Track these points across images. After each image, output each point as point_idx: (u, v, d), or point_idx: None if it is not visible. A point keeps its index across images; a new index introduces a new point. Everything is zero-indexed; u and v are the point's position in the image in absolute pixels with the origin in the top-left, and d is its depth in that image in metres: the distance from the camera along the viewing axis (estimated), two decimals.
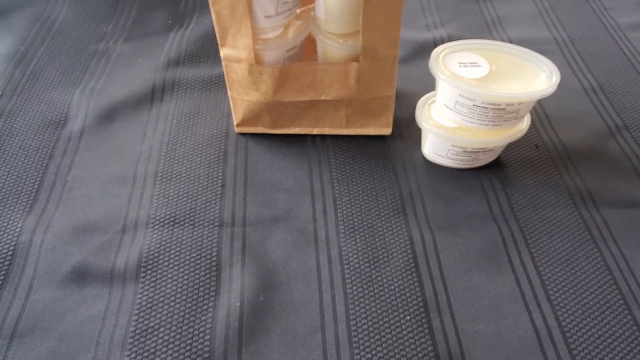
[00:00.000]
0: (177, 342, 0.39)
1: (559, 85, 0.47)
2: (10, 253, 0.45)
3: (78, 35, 0.70)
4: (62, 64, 0.65)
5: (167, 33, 0.70)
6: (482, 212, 0.49)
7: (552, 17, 0.74)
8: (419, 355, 0.39)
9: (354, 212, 0.48)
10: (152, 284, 0.43)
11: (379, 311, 0.41)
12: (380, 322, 0.41)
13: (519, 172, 0.52)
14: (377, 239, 0.46)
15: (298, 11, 0.52)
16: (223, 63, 0.50)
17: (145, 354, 0.39)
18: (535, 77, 0.47)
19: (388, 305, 0.42)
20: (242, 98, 0.53)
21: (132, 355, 0.39)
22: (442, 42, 0.68)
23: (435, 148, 0.52)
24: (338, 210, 0.49)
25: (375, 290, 0.43)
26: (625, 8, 0.76)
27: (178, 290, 0.43)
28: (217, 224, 0.47)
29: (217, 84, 0.62)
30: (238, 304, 0.42)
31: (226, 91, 0.58)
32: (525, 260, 0.45)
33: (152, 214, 0.48)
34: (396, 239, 0.46)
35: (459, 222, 0.48)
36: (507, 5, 0.76)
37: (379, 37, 0.47)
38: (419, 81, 0.62)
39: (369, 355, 0.39)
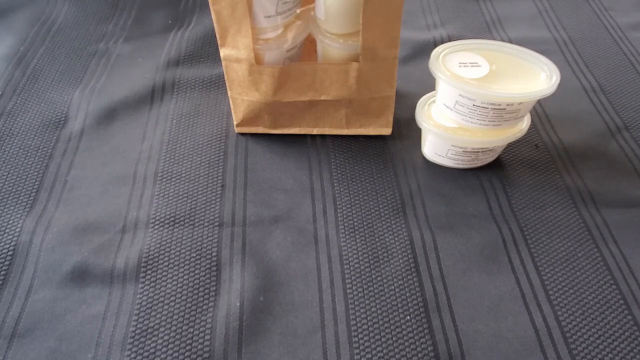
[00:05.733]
0: (177, 342, 0.39)
1: (559, 85, 0.47)
2: (10, 253, 0.45)
3: (78, 35, 0.70)
4: (62, 64, 0.65)
5: (167, 33, 0.70)
6: (482, 212, 0.49)
7: (552, 17, 0.74)
8: (419, 355, 0.39)
9: (354, 212, 0.48)
10: (152, 284, 0.43)
11: (379, 311, 0.41)
12: (380, 322, 0.41)
13: (519, 172, 0.52)
14: (377, 239, 0.46)
15: (298, 11, 0.52)
16: (223, 63, 0.50)
17: (145, 354, 0.39)
18: (535, 77, 0.47)
19: (388, 305, 0.42)
20: (242, 98, 0.53)
21: (132, 355, 0.39)
22: (442, 42, 0.68)
23: (435, 148, 0.52)
24: (338, 210, 0.48)
25: (375, 290, 0.43)
26: (625, 8, 0.76)
27: (178, 290, 0.43)
28: (217, 224, 0.47)
29: (217, 84, 0.62)
30: (238, 304, 0.42)
31: (226, 91, 0.58)
32: (525, 260, 0.45)
33: (152, 214, 0.48)
34: (396, 239, 0.46)
35: (459, 222, 0.48)
36: (507, 5, 0.76)
37: (379, 37, 0.47)
38: (419, 81, 0.62)
39: (369, 355, 0.39)
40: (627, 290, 0.43)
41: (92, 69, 0.64)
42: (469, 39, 0.67)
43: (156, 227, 0.47)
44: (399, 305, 0.42)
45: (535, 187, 0.51)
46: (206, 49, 0.67)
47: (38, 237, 0.46)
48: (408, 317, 0.41)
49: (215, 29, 0.48)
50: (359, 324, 0.41)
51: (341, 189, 0.50)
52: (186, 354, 0.39)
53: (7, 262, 0.44)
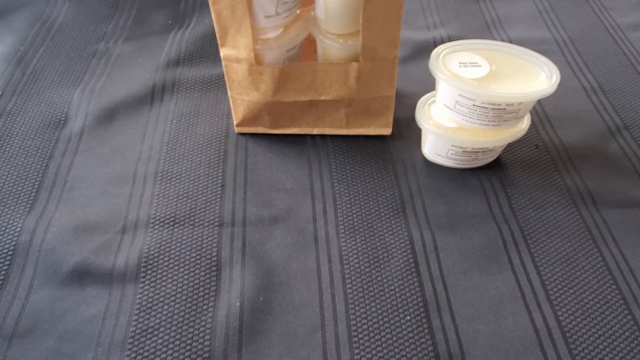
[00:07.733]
0: (177, 342, 0.39)
1: (559, 85, 0.47)
2: (10, 253, 0.45)
3: (78, 35, 0.70)
4: (62, 64, 0.65)
5: (167, 33, 0.70)
6: (482, 212, 0.49)
7: (552, 17, 0.74)
8: (419, 355, 0.39)
9: (354, 212, 0.48)
10: (152, 284, 0.43)
11: (379, 311, 0.41)
12: (380, 322, 0.41)
13: (519, 172, 0.52)
14: (377, 239, 0.46)
15: (298, 11, 0.52)
16: (223, 63, 0.50)
17: (145, 354, 0.39)
18: (535, 77, 0.47)
19: (388, 305, 0.42)
20: (242, 98, 0.53)
21: (132, 355, 0.39)
22: (442, 42, 0.68)
23: (435, 148, 0.52)
24: (338, 210, 0.48)
25: (375, 290, 0.43)
26: (625, 8, 0.76)
27: (178, 290, 0.43)
28: (217, 224, 0.47)
29: (217, 84, 0.62)
30: (238, 304, 0.42)
31: (226, 91, 0.58)
32: (525, 260, 0.45)
33: (152, 214, 0.48)
34: (396, 239, 0.46)
35: (459, 222, 0.48)
36: (507, 5, 0.76)
37: (379, 37, 0.47)
38: (419, 81, 0.62)
39: (369, 355, 0.39)
40: (627, 290, 0.43)
41: (92, 69, 0.64)
42: (469, 39, 0.67)
43: (156, 227, 0.47)
44: (399, 305, 0.42)
45: (535, 187, 0.51)
46: (206, 49, 0.67)
47: (38, 237, 0.46)
48: (408, 317, 0.41)
49: (215, 29, 0.48)
50: (359, 324, 0.41)
51: (341, 189, 0.50)
52: (186, 354, 0.39)
53: (7, 262, 0.44)
